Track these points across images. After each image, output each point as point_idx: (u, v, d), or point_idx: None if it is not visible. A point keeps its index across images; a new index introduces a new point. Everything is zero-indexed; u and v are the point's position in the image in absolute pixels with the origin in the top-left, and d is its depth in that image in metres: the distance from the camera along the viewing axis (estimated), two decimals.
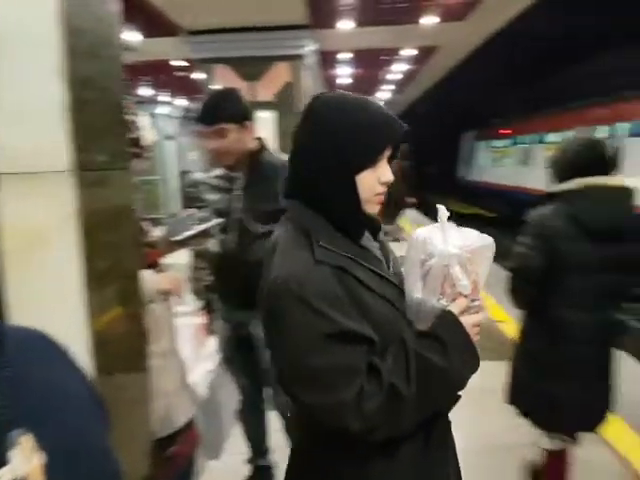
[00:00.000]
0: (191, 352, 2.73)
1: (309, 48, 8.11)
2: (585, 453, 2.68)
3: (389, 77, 14.56)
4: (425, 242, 1.06)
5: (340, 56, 11.27)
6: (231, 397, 2.59)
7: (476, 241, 1.04)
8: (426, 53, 11.08)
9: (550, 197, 2.12)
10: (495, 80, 19.05)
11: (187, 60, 10.04)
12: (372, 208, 1.12)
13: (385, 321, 1.04)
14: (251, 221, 2.14)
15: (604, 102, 11.27)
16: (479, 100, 22.97)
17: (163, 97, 15.86)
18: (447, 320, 1.02)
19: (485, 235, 1.04)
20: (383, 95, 17.68)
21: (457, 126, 24.08)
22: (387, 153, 1.10)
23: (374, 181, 1.09)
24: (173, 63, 11.05)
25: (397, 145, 1.15)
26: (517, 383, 2.22)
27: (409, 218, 12.22)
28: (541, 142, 14.12)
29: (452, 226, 1.07)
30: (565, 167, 2.09)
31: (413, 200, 9.72)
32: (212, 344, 2.73)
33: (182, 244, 4.11)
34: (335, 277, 0.99)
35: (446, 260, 1.02)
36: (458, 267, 1.01)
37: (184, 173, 15.61)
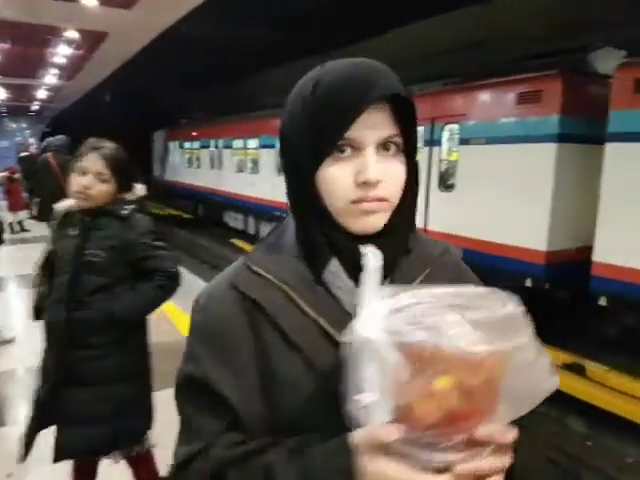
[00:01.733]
0: None
1: None
2: None
3: (56, 60, 12.67)
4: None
5: None
6: None
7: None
8: (96, 38, 10.05)
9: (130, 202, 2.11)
10: (180, 80, 19.06)
11: None
12: (353, 222, 0.69)
13: (294, 404, 0.67)
14: None
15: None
16: (169, 99, 22.61)
17: None
18: (333, 456, 0.59)
19: (504, 294, 0.57)
20: (50, 80, 15.35)
21: (149, 123, 23.18)
22: (370, 137, 0.67)
23: (346, 180, 0.67)
24: None
25: (409, 127, 0.71)
26: None
27: None
28: (229, 147, 14.96)
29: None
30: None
31: None
32: None
33: None
34: (244, 312, 0.70)
35: (371, 348, 0.54)
36: (395, 364, 0.52)
37: None
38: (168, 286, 2.09)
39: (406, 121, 0.70)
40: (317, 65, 0.74)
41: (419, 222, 8.07)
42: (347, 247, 0.70)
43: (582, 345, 6.17)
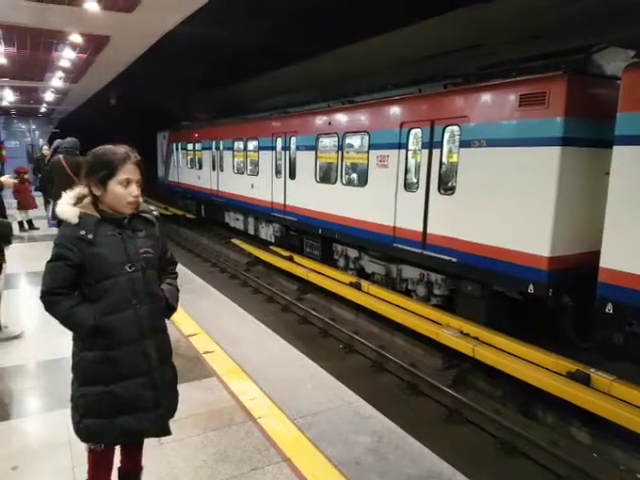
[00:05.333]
0: None
1: None
2: (209, 397, 3.77)
3: (62, 64, 12.76)
4: None
5: None
6: None
7: None
8: (98, 42, 10.07)
9: None
10: (181, 82, 19.14)
11: None
12: None
13: None
14: None
15: (280, 116, 12.51)
16: (172, 100, 22.77)
17: None
18: None
19: None
20: (56, 83, 15.42)
21: (153, 125, 23.38)
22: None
23: None
24: None
25: None
26: None
27: None
28: (230, 149, 14.94)
29: None
30: None
31: None
32: None
33: None
34: None
35: None
36: None
37: None
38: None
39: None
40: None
41: (418, 226, 7.96)
42: None
43: (587, 353, 6.03)
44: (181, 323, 5.30)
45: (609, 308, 5.28)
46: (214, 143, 16.10)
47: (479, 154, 6.61)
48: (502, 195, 6.34)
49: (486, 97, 6.62)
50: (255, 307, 9.09)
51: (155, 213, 2.29)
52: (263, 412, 3.56)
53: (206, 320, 5.54)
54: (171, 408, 2.29)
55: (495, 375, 6.15)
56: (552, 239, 5.79)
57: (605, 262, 5.30)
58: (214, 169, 16.21)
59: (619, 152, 5.14)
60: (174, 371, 2.34)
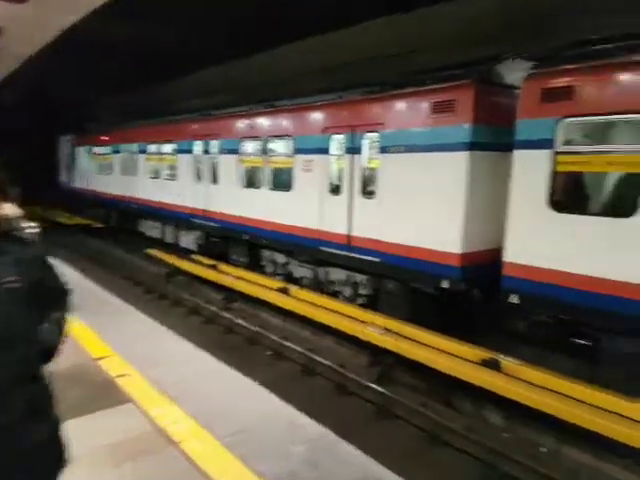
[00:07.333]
0: None
1: None
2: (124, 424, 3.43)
3: None
4: None
5: None
6: None
7: None
8: None
9: None
10: (87, 81, 17.91)
11: None
12: None
13: None
14: None
15: (200, 119, 12.08)
16: (77, 101, 21.24)
17: None
18: None
19: None
20: None
21: (55, 127, 21.66)
22: None
23: None
24: None
25: None
26: None
27: None
28: (144, 152, 14.28)
29: None
30: None
31: None
32: None
33: None
34: None
35: None
36: None
37: None
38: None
39: None
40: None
41: (343, 229, 8.11)
42: None
43: (496, 341, 6.45)
44: (90, 346, 4.91)
45: (513, 299, 5.70)
46: (126, 146, 15.27)
47: (396, 159, 6.89)
48: (419, 197, 6.65)
49: (401, 104, 6.91)
50: (177, 321, 8.62)
51: (34, 230, 2.01)
52: (185, 435, 3.39)
53: (120, 341, 5.15)
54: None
55: (420, 369, 6.40)
56: (463, 237, 6.17)
57: (507, 257, 5.74)
58: (126, 174, 15.36)
59: (518, 155, 5.57)
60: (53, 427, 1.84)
